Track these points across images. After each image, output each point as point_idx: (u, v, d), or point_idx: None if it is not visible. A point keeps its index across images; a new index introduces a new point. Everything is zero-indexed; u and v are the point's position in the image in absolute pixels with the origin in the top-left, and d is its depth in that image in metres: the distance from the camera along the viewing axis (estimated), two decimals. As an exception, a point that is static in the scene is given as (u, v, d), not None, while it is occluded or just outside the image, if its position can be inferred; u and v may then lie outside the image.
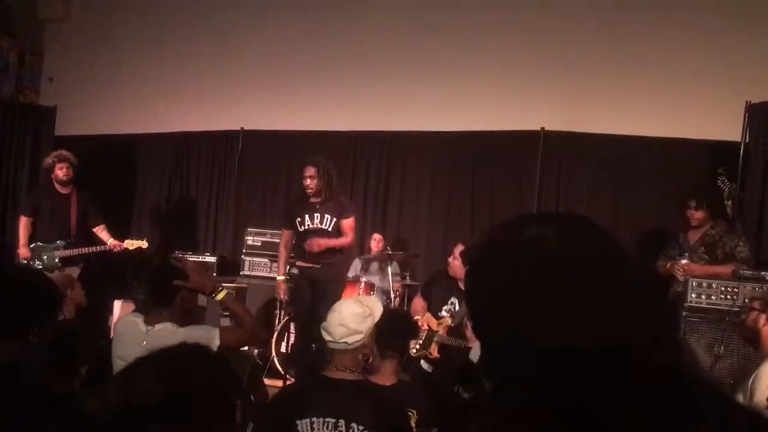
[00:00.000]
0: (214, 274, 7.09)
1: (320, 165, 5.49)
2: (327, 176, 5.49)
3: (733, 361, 4.31)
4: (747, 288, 4.52)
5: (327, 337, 2.67)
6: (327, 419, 2.46)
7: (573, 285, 0.83)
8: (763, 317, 3.19)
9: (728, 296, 4.57)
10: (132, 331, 2.85)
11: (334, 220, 5.51)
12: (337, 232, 5.53)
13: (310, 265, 5.51)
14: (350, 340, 2.65)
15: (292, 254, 5.72)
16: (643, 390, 0.66)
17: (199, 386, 1.59)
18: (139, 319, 2.89)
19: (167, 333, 2.77)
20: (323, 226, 5.49)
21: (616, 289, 0.84)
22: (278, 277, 5.78)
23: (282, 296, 5.75)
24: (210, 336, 2.77)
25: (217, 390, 1.62)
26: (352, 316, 2.69)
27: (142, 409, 1.49)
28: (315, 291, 5.48)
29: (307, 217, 5.49)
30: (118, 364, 2.78)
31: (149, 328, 2.81)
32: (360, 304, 2.83)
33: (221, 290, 2.93)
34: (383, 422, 2.49)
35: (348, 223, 5.56)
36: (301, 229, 5.51)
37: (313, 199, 5.51)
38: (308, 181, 5.47)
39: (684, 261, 5.02)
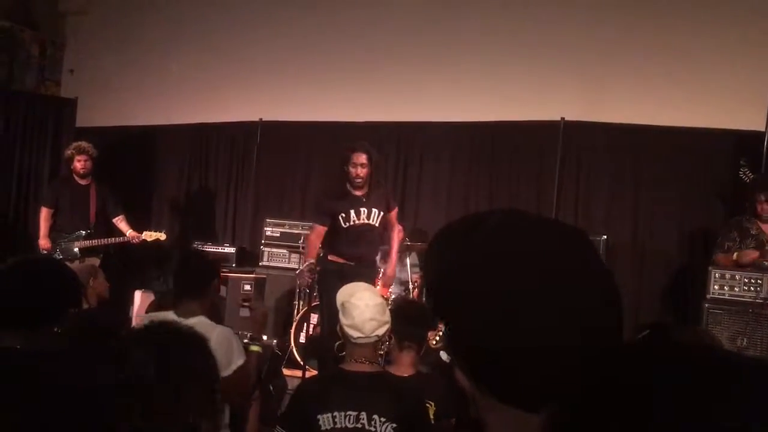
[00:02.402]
0: (233, 265, 7.15)
1: (371, 152, 4.89)
2: (376, 165, 4.94)
3: (757, 354, 4.25)
4: (771, 279, 4.45)
5: (356, 334, 2.58)
6: (348, 412, 2.45)
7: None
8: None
9: (752, 288, 4.49)
10: None
11: (382, 214, 5.05)
12: (383, 226, 5.13)
13: (343, 261, 5.04)
14: (380, 332, 2.61)
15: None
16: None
17: None
18: (169, 313, 2.84)
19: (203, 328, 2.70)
20: (371, 222, 4.99)
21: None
22: (303, 266, 5.11)
23: (307, 281, 4.99)
24: (238, 350, 2.78)
25: None
26: (378, 307, 2.64)
27: None
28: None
29: (352, 212, 4.93)
30: None
31: (183, 320, 2.70)
32: (375, 293, 2.78)
33: None
34: (403, 413, 2.49)
35: (396, 213, 5.21)
36: (345, 225, 4.93)
37: (357, 192, 4.96)
38: (359, 170, 4.84)
39: None
